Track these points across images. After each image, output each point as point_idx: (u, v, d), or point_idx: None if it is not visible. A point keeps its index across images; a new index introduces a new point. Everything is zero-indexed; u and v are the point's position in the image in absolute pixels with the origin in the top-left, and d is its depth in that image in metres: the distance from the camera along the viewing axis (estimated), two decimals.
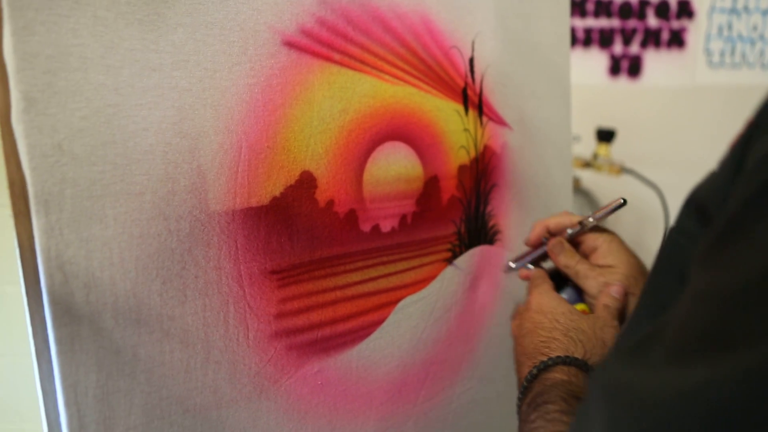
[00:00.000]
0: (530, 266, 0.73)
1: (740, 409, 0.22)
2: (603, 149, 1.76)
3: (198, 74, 0.51)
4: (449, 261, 0.75)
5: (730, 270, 0.26)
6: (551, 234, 0.71)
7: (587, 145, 1.85)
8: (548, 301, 0.63)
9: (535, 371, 0.56)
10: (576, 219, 0.68)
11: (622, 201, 0.65)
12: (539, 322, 0.61)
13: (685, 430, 0.23)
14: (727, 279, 0.26)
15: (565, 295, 0.67)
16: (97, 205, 0.46)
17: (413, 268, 0.70)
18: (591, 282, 0.64)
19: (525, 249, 0.74)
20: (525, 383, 0.56)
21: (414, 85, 0.68)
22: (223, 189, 0.53)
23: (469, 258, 0.77)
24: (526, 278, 0.71)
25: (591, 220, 0.67)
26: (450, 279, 0.75)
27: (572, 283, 0.67)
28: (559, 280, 0.68)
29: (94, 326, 0.47)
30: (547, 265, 0.72)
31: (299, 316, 0.59)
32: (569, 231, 0.68)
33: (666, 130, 2.06)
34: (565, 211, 0.70)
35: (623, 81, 2.11)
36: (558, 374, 0.54)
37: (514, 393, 0.86)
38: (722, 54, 2.08)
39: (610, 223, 0.69)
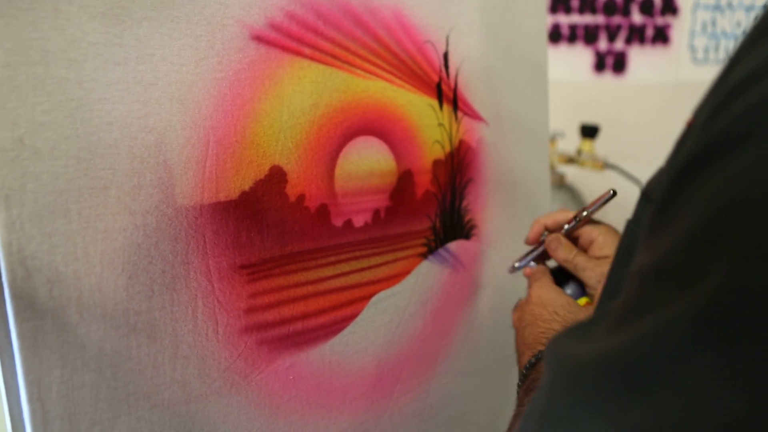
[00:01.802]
0: (533, 264, 0.74)
1: (636, 375, 0.24)
2: (587, 145, 1.77)
3: (164, 68, 0.51)
4: (424, 256, 0.75)
5: (654, 247, 0.27)
6: (549, 231, 0.72)
7: (571, 141, 1.85)
8: (548, 294, 0.65)
9: (533, 360, 0.58)
10: (571, 214, 0.70)
11: (612, 192, 0.67)
12: (539, 314, 0.63)
13: (602, 393, 0.25)
14: (648, 255, 0.28)
15: (569, 290, 0.69)
16: (60, 199, 0.46)
17: (387, 263, 0.70)
18: (589, 273, 0.66)
19: (525, 248, 0.77)
20: (524, 371, 0.58)
21: (386, 80, 0.68)
22: (190, 183, 0.53)
23: (445, 253, 0.77)
24: (530, 276, 0.73)
25: (585, 213, 0.68)
26: (425, 274, 0.75)
27: (575, 278, 0.69)
28: (562, 276, 0.70)
29: (58, 321, 0.46)
30: (551, 263, 0.75)
31: (270, 311, 0.59)
32: (566, 227, 0.70)
33: (650, 126, 2.06)
34: (562, 208, 0.73)
35: (608, 77, 2.12)
36: None
37: (491, 388, 0.87)
38: (706, 50, 2.09)
39: (599, 217, 0.71)
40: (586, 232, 0.69)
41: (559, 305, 0.62)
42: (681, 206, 0.27)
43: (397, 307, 0.72)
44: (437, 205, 0.75)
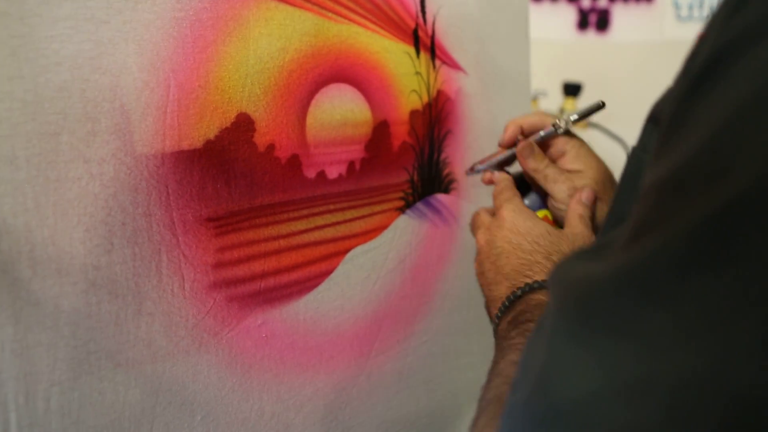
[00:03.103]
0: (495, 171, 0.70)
1: (655, 283, 0.23)
2: (569, 103, 1.74)
3: (117, 5, 0.47)
4: (402, 210, 0.72)
5: (670, 159, 0.26)
6: (524, 135, 0.68)
7: (554, 100, 1.83)
8: (523, 221, 0.60)
9: (519, 292, 0.55)
10: (550, 120, 0.66)
11: (601, 103, 0.63)
12: (517, 244, 0.59)
13: (619, 306, 0.24)
14: (663, 169, 0.26)
15: (528, 201, 0.66)
16: (5, 145, 0.43)
17: (363, 216, 0.68)
18: (560, 186, 0.63)
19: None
20: (507, 302, 0.55)
21: (360, 24, 0.64)
22: (150, 130, 0.50)
23: (423, 207, 0.75)
24: (490, 183, 0.69)
25: (566, 121, 0.64)
26: (403, 229, 0.73)
27: (535, 188, 0.65)
28: (521, 185, 0.66)
29: (9, 276, 0.43)
30: (512, 169, 0.70)
31: (240, 266, 0.57)
32: (541, 133, 0.65)
33: (634, 85, 2.04)
34: (540, 111, 0.69)
35: (591, 35, 2.09)
36: (542, 296, 0.53)
37: (472, 345, 0.85)
38: (690, 7, 2.06)
39: None
40: (559, 143, 0.65)
41: (538, 234, 0.59)
42: (699, 114, 0.25)
43: (374, 262, 0.70)
44: (415, 158, 0.72)
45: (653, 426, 0.21)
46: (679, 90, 0.28)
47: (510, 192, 0.65)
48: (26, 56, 0.43)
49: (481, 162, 0.72)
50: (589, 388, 0.23)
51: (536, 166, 0.64)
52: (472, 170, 0.74)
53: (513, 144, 0.69)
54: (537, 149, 0.65)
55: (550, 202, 0.65)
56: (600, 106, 0.63)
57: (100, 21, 0.46)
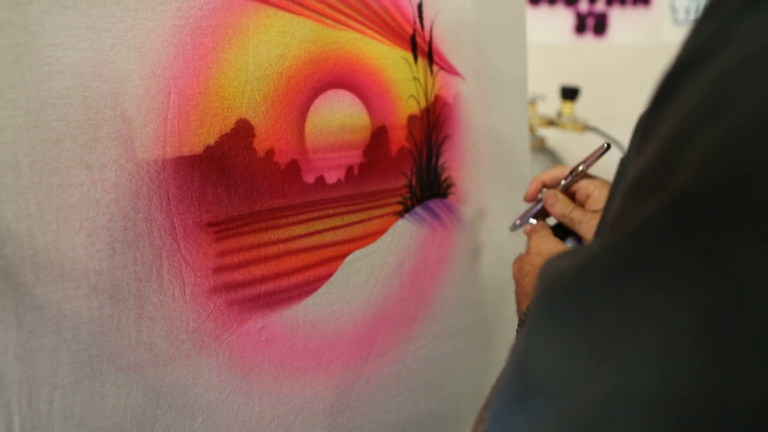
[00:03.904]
0: (533, 221, 0.76)
1: (616, 269, 0.25)
2: (567, 107, 1.75)
3: (118, 14, 0.48)
4: (400, 215, 0.73)
5: (636, 167, 0.28)
6: (547, 188, 0.74)
7: (552, 104, 1.83)
8: (546, 244, 0.67)
9: (530, 304, 0.58)
10: (568, 170, 0.72)
11: (606, 145, 0.68)
12: (537, 264, 0.64)
13: (582, 292, 0.26)
14: (630, 175, 0.28)
15: (568, 244, 0.71)
16: (8, 152, 0.43)
17: (362, 221, 0.68)
18: (586, 226, 0.67)
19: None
20: (522, 317, 0.60)
21: (358, 31, 0.65)
22: (151, 137, 0.50)
23: (421, 212, 0.76)
24: (529, 233, 0.74)
25: (581, 168, 0.70)
26: (402, 233, 0.73)
27: (574, 233, 0.71)
28: (562, 232, 0.72)
29: (12, 281, 0.44)
30: (550, 221, 0.76)
31: (240, 271, 0.57)
32: (562, 182, 0.71)
33: (631, 88, 2.05)
34: (558, 165, 0.76)
35: (589, 39, 2.09)
36: None
37: (471, 349, 0.86)
38: (687, 11, 2.07)
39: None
40: (583, 188, 0.70)
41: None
42: (657, 124, 0.27)
43: (373, 266, 0.70)
44: (413, 163, 0.73)
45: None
46: (649, 103, 0.29)
47: (539, 226, 0.72)
48: (29, 64, 0.44)
49: (520, 218, 0.78)
50: (555, 370, 0.25)
51: (563, 211, 0.70)
52: (514, 227, 0.80)
53: (535, 197, 0.75)
54: (561, 196, 0.71)
55: (585, 243, 0.69)
56: (606, 149, 0.68)
57: (101, 29, 0.47)
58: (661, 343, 0.22)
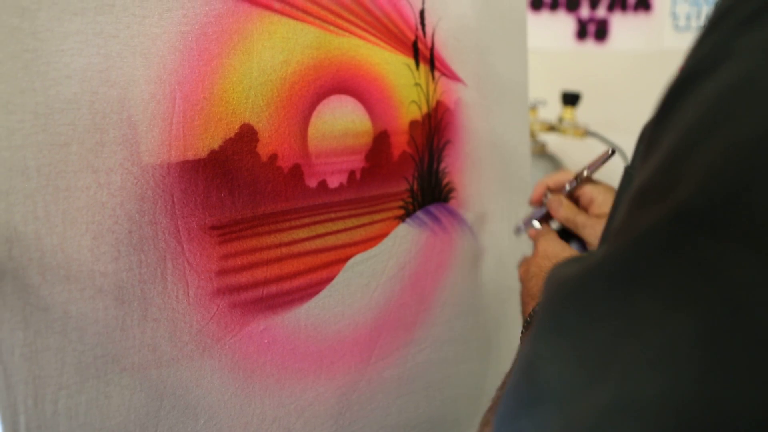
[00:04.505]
0: (537, 225, 0.76)
1: (620, 275, 0.25)
2: (568, 113, 1.76)
3: (125, 20, 0.49)
4: (402, 219, 0.74)
5: (640, 176, 0.29)
6: (551, 192, 0.75)
7: (553, 110, 1.84)
8: (552, 247, 0.68)
9: (537, 308, 0.59)
10: (572, 175, 0.72)
11: (610, 151, 0.69)
12: (544, 266, 0.65)
13: (587, 297, 0.27)
14: (635, 184, 0.29)
15: (573, 248, 0.72)
16: (17, 156, 0.44)
17: (364, 225, 0.69)
18: (589, 231, 0.68)
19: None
20: (528, 319, 0.60)
21: (360, 37, 0.66)
22: (156, 141, 0.51)
23: (423, 216, 0.76)
24: (534, 237, 0.75)
25: (585, 173, 0.71)
26: (403, 237, 0.74)
27: (578, 238, 0.72)
28: (566, 236, 0.73)
29: (19, 282, 0.45)
30: (554, 225, 0.77)
31: (243, 273, 0.58)
32: (567, 187, 0.72)
33: (632, 94, 2.05)
34: (563, 169, 0.76)
35: (590, 45, 2.10)
36: None
37: (472, 353, 0.86)
38: (688, 17, 2.07)
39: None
40: (587, 192, 0.71)
41: (564, 257, 0.63)
42: (662, 134, 0.28)
43: (374, 270, 0.71)
44: (414, 167, 0.74)
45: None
46: (655, 113, 0.30)
47: (544, 229, 0.73)
48: (38, 70, 0.44)
49: (524, 222, 0.79)
50: (560, 377, 0.26)
51: (567, 215, 0.71)
52: (518, 230, 0.81)
53: (540, 201, 0.77)
54: (565, 201, 0.72)
55: (588, 247, 0.70)
56: (611, 155, 0.69)
57: (108, 35, 0.48)
58: (661, 354, 0.22)
